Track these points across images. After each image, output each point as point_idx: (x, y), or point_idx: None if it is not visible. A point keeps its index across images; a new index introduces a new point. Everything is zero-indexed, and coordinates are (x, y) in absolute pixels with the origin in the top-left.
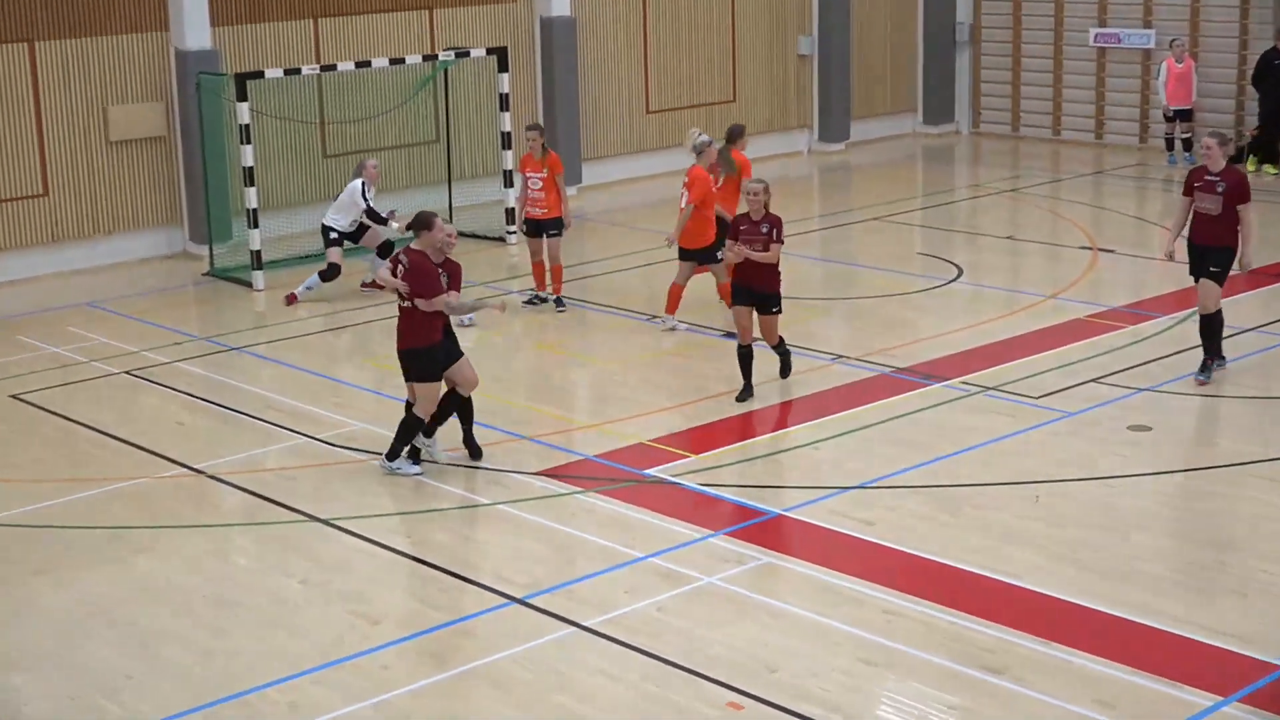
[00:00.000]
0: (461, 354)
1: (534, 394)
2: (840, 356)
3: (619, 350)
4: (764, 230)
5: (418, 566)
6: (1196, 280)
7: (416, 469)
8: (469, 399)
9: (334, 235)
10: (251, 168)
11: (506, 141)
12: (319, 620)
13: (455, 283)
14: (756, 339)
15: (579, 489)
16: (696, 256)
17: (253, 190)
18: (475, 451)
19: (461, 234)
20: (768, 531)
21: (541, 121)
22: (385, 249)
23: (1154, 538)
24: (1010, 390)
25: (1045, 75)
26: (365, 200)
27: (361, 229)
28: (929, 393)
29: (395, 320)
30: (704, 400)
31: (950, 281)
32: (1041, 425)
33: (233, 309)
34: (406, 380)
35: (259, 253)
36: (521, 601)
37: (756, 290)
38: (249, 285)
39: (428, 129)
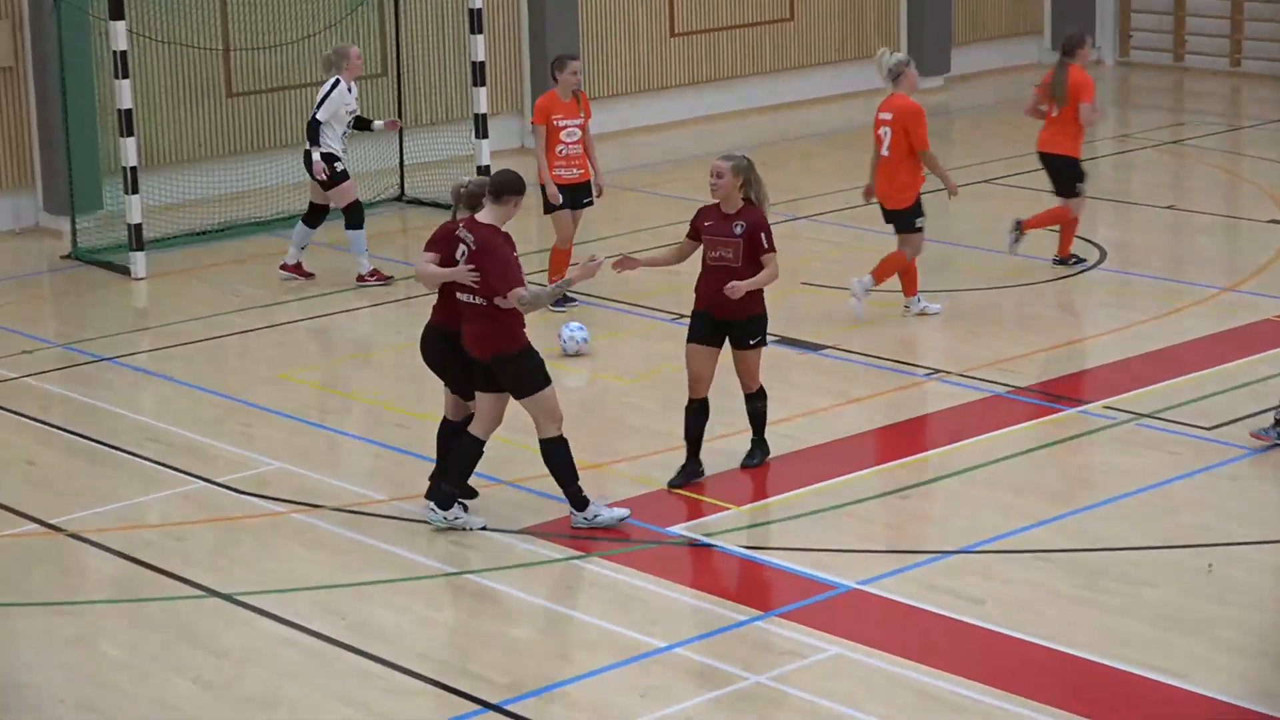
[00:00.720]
0: None
1: (518, 423)
2: (937, 371)
3: (634, 362)
4: (736, 231)
5: (355, 659)
6: None
7: (622, 511)
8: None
9: (340, 167)
10: (130, 111)
11: (479, 75)
12: None
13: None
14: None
15: (577, 553)
16: (902, 219)
17: (131, 142)
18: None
19: (419, 201)
20: (838, 612)
21: (528, 50)
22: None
23: None
24: (1172, 418)
25: None
26: (321, 102)
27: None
28: (1060, 421)
29: (328, 319)
30: (749, 432)
31: (1090, 267)
32: (1215, 466)
33: (104, 305)
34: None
35: (139, 228)
36: (498, 708)
37: (724, 314)
38: (125, 272)
39: (371, 59)
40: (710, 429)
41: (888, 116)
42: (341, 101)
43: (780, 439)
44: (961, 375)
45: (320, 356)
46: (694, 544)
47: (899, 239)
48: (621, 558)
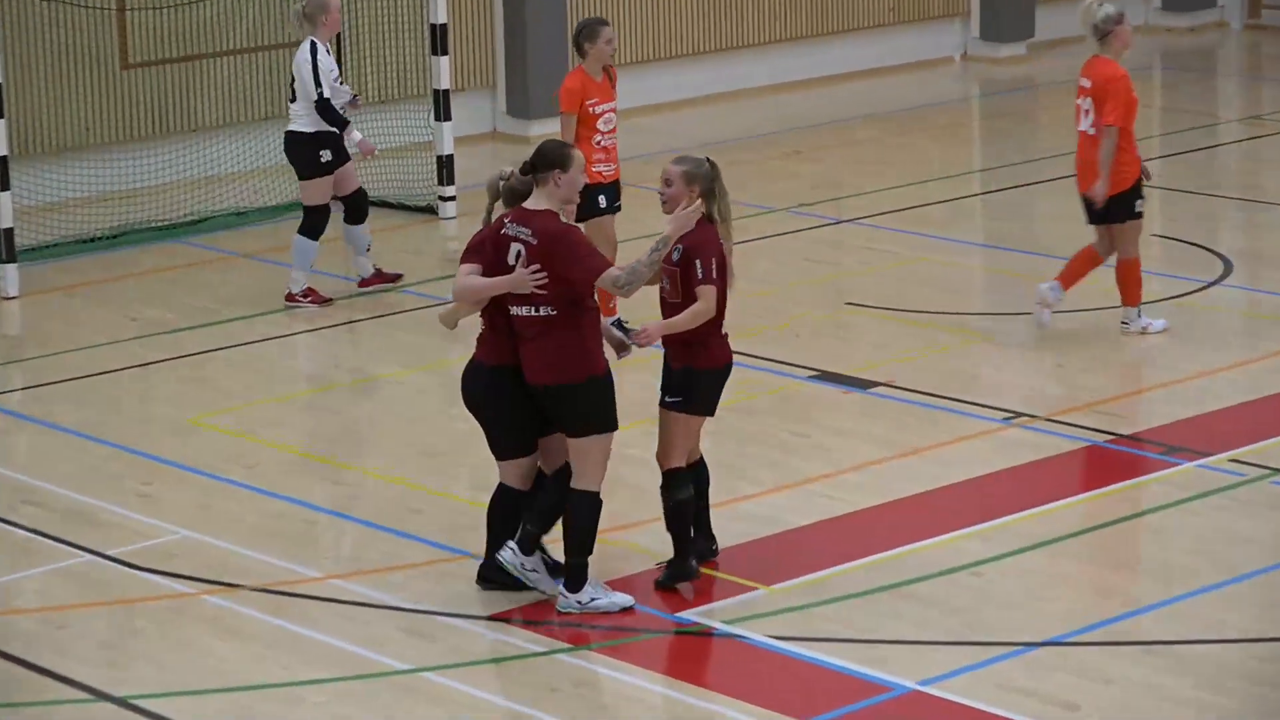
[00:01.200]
0: None
1: (492, 478)
2: (1018, 415)
3: (635, 398)
4: (674, 256)
5: None
6: None
7: (625, 599)
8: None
9: (326, 158)
10: None
11: (439, 42)
12: None
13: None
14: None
15: (563, 645)
16: (1115, 207)
17: (0, 125)
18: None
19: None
20: (893, 719)
21: (501, 10)
22: (358, 208)
23: None
24: None
25: None
26: (315, 74)
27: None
28: (1174, 477)
29: (250, 349)
30: (783, 490)
31: (1210, 284)
32: None
33: None
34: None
35: (10, 233)
36: None
37: (678, 362)
38: None
39: None
40: (734, 488)
41: (1088, 84)
42: (326, 67)
43: (820, 500)
44: (1048, 420)
45: (240, 396)
46: (711, 634)
47: (1115, 234)
48: (619, 650)
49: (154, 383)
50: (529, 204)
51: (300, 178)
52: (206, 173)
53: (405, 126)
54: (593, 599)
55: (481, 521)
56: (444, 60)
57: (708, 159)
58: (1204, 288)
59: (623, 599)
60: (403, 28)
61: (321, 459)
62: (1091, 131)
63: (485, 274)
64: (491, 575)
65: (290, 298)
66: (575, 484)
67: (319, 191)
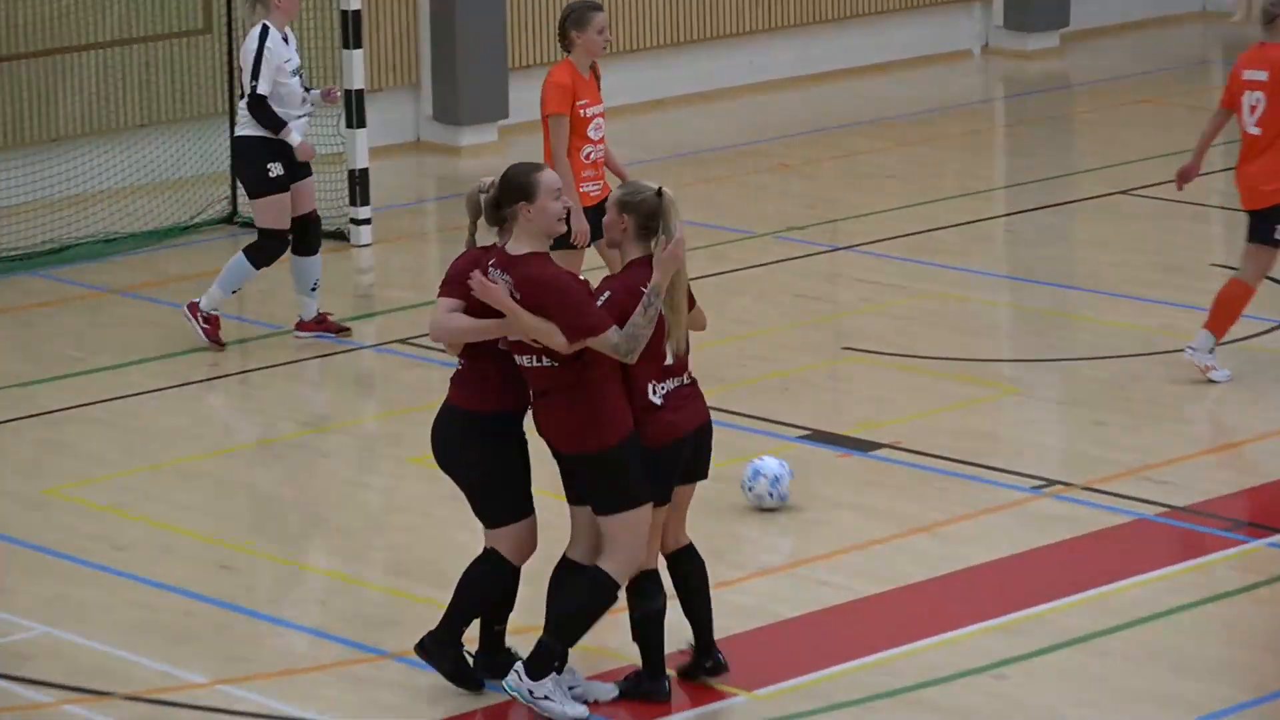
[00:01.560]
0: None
1: (412, 561)
2: (1050, 484)
3: None
4: (601, 298)
5: None
6: None
7: (580, 710)
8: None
9: (275, 173)
10: None
11: (352, 34)
12: None
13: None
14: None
15: None
16: (1261, 224)
17: None
18: (498, 665)
19: (247, 225)
20: None
21: None
22: (308, 236)
23: None
24: None
25: None
26: (256, 65)
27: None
28: (1239, 558)
29: (121, 404)
30: (769, 575)
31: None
32: None
33: None
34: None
35: None
36: None
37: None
38: None
39: (188, 12)
40: (711, 573)
41: (1259, 76)
42: (280, 58)
43: (813, 587)
44: (1086, 489)
45: (108, 463)
46: None
47: (1245, 253)
48: None
49: (2, 446)
50: (510, 247)
51: (249, 195)
52: (69, 191)
53: (310, 134)
54: (545, 697)
55: (402, 614)
56: (357, 54)
57: (659, 188)
58: (1276, 328)
59: (576, 710)
60: (306, 14)
61: (207, 539)
62: (1255, 131)
63: (471, 311)
64: (431, 647)
65: (192, 309)
66: (604, 563)
67: (273, 212)
